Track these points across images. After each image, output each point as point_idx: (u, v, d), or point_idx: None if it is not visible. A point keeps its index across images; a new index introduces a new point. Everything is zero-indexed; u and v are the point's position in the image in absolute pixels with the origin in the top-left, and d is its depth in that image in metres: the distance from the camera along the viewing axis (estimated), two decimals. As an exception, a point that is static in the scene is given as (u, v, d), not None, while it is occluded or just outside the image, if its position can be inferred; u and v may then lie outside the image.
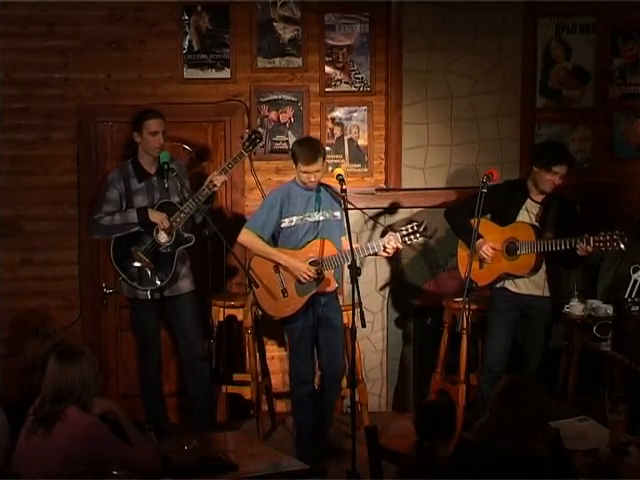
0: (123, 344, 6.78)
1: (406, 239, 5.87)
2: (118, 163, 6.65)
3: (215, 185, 6.03)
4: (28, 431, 4.09)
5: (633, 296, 6.21)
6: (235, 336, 6.72)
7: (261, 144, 6.43)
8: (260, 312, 6.52)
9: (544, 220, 5.95)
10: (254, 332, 6.52)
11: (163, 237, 6.03)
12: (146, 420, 5.93)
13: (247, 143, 6.16)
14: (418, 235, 5.87)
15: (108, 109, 6.66)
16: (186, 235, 6.07)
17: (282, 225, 5.97)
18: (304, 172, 5.87)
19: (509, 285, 6.03)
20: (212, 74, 6.80)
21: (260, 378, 6.61)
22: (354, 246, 5.79)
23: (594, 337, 6.24)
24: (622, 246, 5.69)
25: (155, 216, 6.02)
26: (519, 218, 5.98)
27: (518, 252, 5.91)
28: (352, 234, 5.77)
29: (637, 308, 6.05)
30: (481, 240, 5.95)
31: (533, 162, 6.04)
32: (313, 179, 5.88)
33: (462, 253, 6.14)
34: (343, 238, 5.96)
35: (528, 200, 6.00)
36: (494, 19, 6.97)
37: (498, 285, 6.05)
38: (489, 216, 6.09)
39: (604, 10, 7.20)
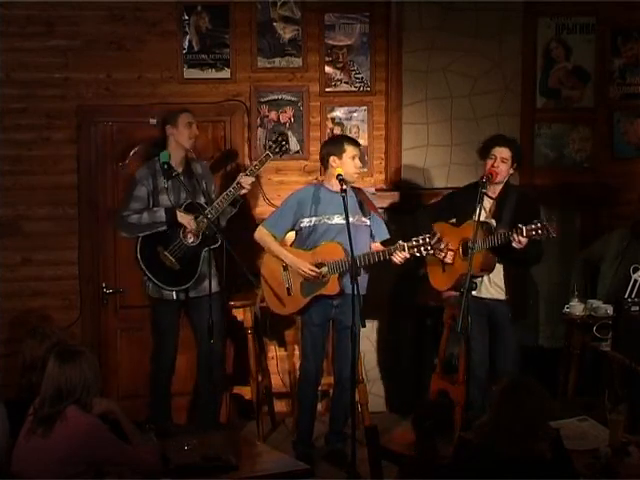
0: (123, 344, 6.77)
1: (415, 250, 5.75)
2: (118, 163, 6.66)
3: (242, 186, 6.04)
4: (28, 431, 4.09)
5: (633, 296, 6.21)
6: (235, 336, 6.71)
7: (287, 146, 6.41)
8: (260, 312, 6.57)
9: (499, 215, 5.85)
10: (254, 332, 6.53)
11: (190, 238, 6.04)
12: (146, 420, 5.93)
13: (274, 145, 6.20)
14: (429, 248, 5.74)
15: (108, 109, 6.66)
16: (212, 236, 6.06)
17: (301, 224, 5.99)
18: (353, 157, 5.90)
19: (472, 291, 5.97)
20: (212, 74, 6.80)
21: (260, 378, 6.61)
22: (366, 252, 5.84)
23: (594, 337, 6.24)
24: (553, 235, 5.53)
25: (183, 218, 6.03)
26: (475, 215, 5.81)
27: (472, 252, 5.70)
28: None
29: (637, 308, 6.04)
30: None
31: (480, 157, 6.00)
32: (360, 164, 5.97)
33: (428, 258, 6.06)
34: (373, 245, 5.97)
35: (485, 197, 5.87)
36: (494, 19, 6.97)
37: (462, 290, 5.96)
38: (454, 220, 6.06)
39: (604, 10, 7.20)
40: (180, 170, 6.13)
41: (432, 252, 5.81)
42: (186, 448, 4.55)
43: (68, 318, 6.65)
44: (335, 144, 6.03)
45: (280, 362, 6.97)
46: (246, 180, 6.07)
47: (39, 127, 6.60)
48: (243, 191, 6.10)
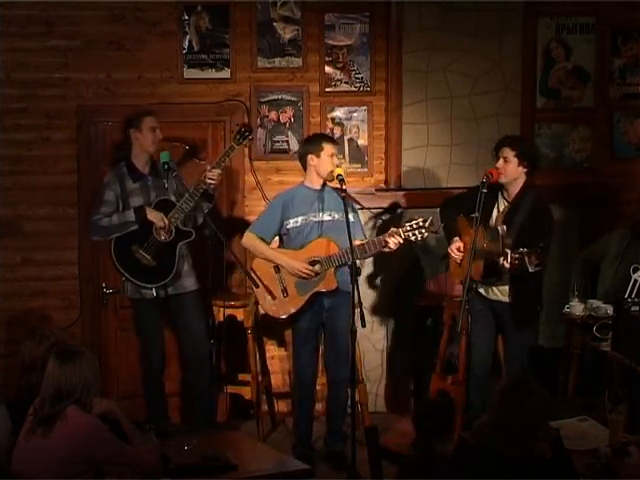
0: (123, 344, 6.78)
1: (409, 234, 5.77)
2: (112, 165, 6.65)
3: (211, 179, 6.04)
4: (28, 431, 4.09)
5: (633, 296, 6.20)
6: (235, 336, 6.71)
7: (250, 137, 6.40)
8: (260, 312, 6.57)
9: (510, 220, 5.78)
10: (254, 332, 6.53)
11: (162, 234, 6.05)
12: (146, 420, 5.93)
13: (237, 136, 6.18)
14: (424, 231, 5.76)
15: (108, 109, 6.66)
16: (186, 230, 6.08)
17: (288, 226, 5.98)
18: (331, 155, 5.90)
19: (480, 289, 5.94)
20: (212, 74, 6.80)
21: (260, 378, 6.61)
22: (357, 244, 5.82)
23: (594, 337, 6.23)
24: (529, 268, 5.38)
25: (152, 215, 6.03)
26: (492, 218, 5.85)
27: (472, 253, 5.68)
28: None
29: (637, 308, 6.03)
30: (455, 239, 5.93)
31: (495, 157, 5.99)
32: (337, 162, 5.94)
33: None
34: (357, 240, 5.93)
35: (501, 199, 5.89)
36: (494, 19, 6.97)
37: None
38: (477, 214, 6.03)
39: (604, 10, 7.21)
40: (146, 171, 6.15)
41: (426, 236, 5.80)
42: (186, 448, 4.55)
43: (68, 318, 6.65)
44: (312, 143, 6.04)
45: (280, 362, 6.97)
46: (213, 172, 6.05)
47: (39, 127, 6.60)
48: (211, 182, 6.06)
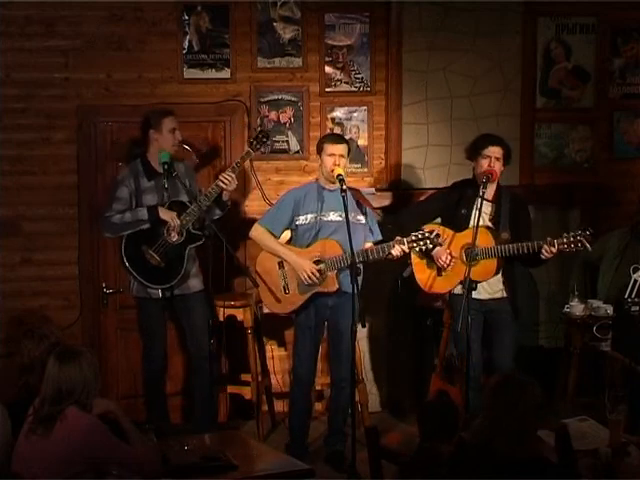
0: (123, 344, 6.78)
1: (414, 244, 5.75)
2: (117, 163, 6.65)
3: (224, 182, 6.03)
4: (28, 431, 4.09)
5: (633, 296, 6.21)
6: (235, 336, 6.71)
7: (268, 143, 6.42)
8: (260, 312, 6.57)
9: (497, 219, 5.86)
10: (254, 332, 6.53)
11: (174, 235, 6.05)
12: (146, 420, 5.93)
13: (254, 142, 6.19)
14: (428, 242, 5.72)
15: (108, 109, 6.66)
16: (196, 233, 6.07)
17: (297, 222, 5.99)
18: (330, 155, 5.86)
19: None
20: (212, 74, 6.80)
21: (260, 378, 6.61)
22: (365, 248, 5.84)
23: (594, 337, 6.24)
24: (588, 246, 5.60)
25: (166, 214, 6.03)
26: (472, 220, 5.83)
27: (478, 258, 5.72)
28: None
29: (637, 308, 6.04)
30: (438, 248, 5.87)
31: (469, 158, 6.01)
32: (338, 162, 5.85)
33: (416, 260, 6.04)
34: (368, 243, 5.94)
35: (480, 200, 5.84)
36: (494, 19, 6.97)
37: (456, 292, 5.93)
38: (439, 220, 6.04)
39: (604, 10, 7.21)
40: (162, 170, 6.12)
41: (430, 247, 5.78)
42: (186, 448, 4.55)
43: (68, 318, 6.65)
44: (319, 142, 6.07)
45: (280, 362, 6.97)
46: (227, 176, 6.06)
47: (39, 127, 6.60)
48: (225, 186, 6.04)
